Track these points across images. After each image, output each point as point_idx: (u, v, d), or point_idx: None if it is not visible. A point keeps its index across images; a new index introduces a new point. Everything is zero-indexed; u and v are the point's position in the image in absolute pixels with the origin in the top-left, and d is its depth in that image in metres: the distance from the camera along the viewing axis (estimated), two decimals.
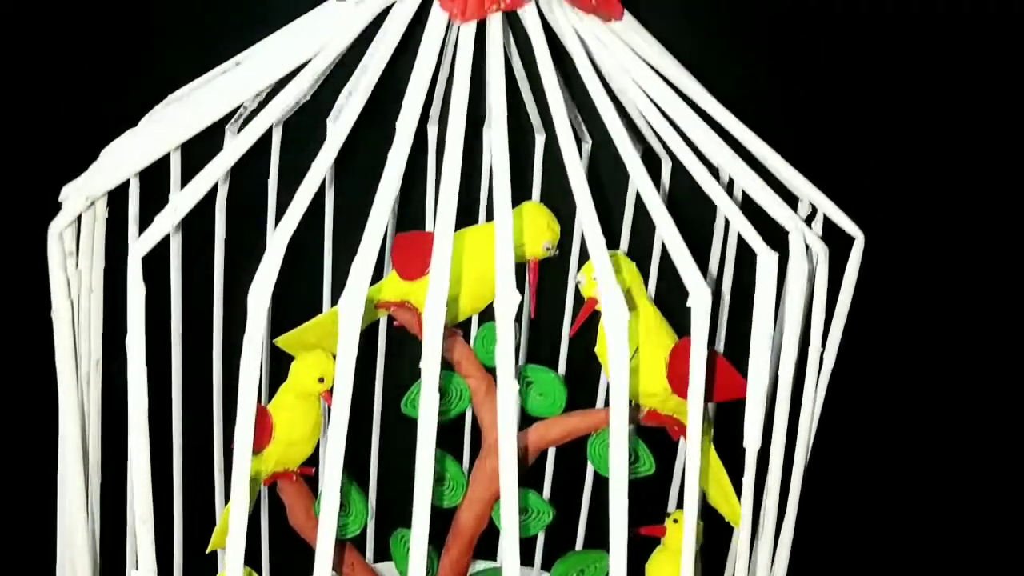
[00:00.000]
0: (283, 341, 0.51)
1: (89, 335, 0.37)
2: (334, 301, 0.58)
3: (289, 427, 0.46)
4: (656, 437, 0.49)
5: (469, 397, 0.49)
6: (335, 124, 0.34)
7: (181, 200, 0.31)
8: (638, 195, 0.52)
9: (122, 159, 0.36)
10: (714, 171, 0.38)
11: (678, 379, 0.45)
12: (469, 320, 0.55)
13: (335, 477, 0.32)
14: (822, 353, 0.39)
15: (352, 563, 0.49)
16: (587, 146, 0.57)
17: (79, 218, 0.35)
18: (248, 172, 0.38)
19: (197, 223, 0.37)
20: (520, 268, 0.49)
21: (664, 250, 0.50)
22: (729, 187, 0.46)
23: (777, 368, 0.36)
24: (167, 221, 0.31)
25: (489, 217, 0.57)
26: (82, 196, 0.34)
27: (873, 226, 0.42)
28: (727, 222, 0.48)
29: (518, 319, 0.55)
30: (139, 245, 0.30)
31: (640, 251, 0.52)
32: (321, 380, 0.46)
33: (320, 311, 0.56)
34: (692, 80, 0.42)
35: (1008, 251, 0.70)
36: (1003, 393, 0.76)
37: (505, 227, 0.32)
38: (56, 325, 0.35)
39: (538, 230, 0.48)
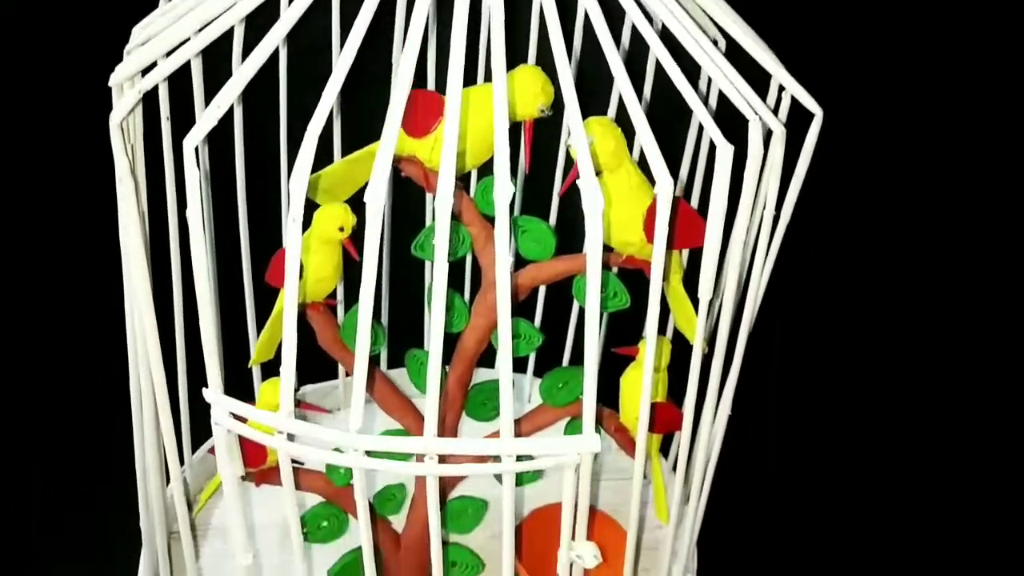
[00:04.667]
0: None
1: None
2: (343, 151, 0.63)
3: (315, 268, 0.54)
4: (637, 278, 0.56)
5: (470, 243, 0.56)
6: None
7: (223, 97, 0.36)
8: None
9: (162, 48, 0.40)
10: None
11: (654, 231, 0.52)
12: (469, 174, 0.61)
13: (368, 308, 0.39)
14: (776, 216, 0.46)
15: (373, 375, 0.58)
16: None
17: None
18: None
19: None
20: (517, 127, 0.54)
21: None
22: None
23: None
24: (213, 115, 0.36)
25: (487, 80, 0.61)
26: (136, 89, 0.39)
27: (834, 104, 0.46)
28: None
29: (514, 174, 0.61)
30: (192, 136, 0.35)
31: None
32: (341, 229, 0.52)
33: (331, 160, 0.62)
34: None
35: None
36: (948, 269, 0.83)
37: (501, 90, 0.37)
38: (120, 195, 0.41)
39: (533, 92, 0.52)
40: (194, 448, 0.71)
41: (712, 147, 0.41)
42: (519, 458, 0.41)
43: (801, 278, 1.00)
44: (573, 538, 0.45)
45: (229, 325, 0.61)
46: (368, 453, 0.41)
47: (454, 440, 0.43)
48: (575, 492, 0.43)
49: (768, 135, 0.42)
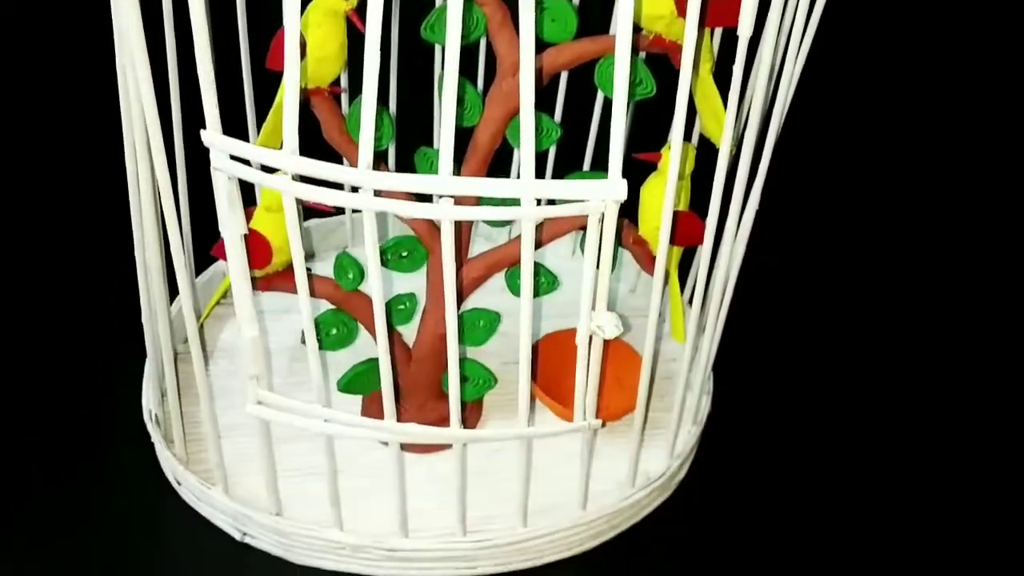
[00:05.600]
0: None
1: None
2: None
3: (320, 44, 0.50)
4: (664, 70, 0.53)
5: (484, 25, 0.52)
6: None
7: None
8: None
9: None
10: None
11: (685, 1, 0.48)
12: None
13: (372, 88, 0.36)
14: None
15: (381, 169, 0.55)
16: None
17: None
18: None
19: None
20: None
21: None
22: None
23: None
24: None
25: None
26: None
27: None
28: None
29: None
30: None
31: None
32: None
33: None
34: None
35: None
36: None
37: None
38: None
39: None
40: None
41: None
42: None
43: (841, 76, 0.96)
44: (593, 308, 0.43)
45: (227, 122, 0.58)
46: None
47: (470, 179, 0.40)
48: (598, 246, 0.40)
49: None
